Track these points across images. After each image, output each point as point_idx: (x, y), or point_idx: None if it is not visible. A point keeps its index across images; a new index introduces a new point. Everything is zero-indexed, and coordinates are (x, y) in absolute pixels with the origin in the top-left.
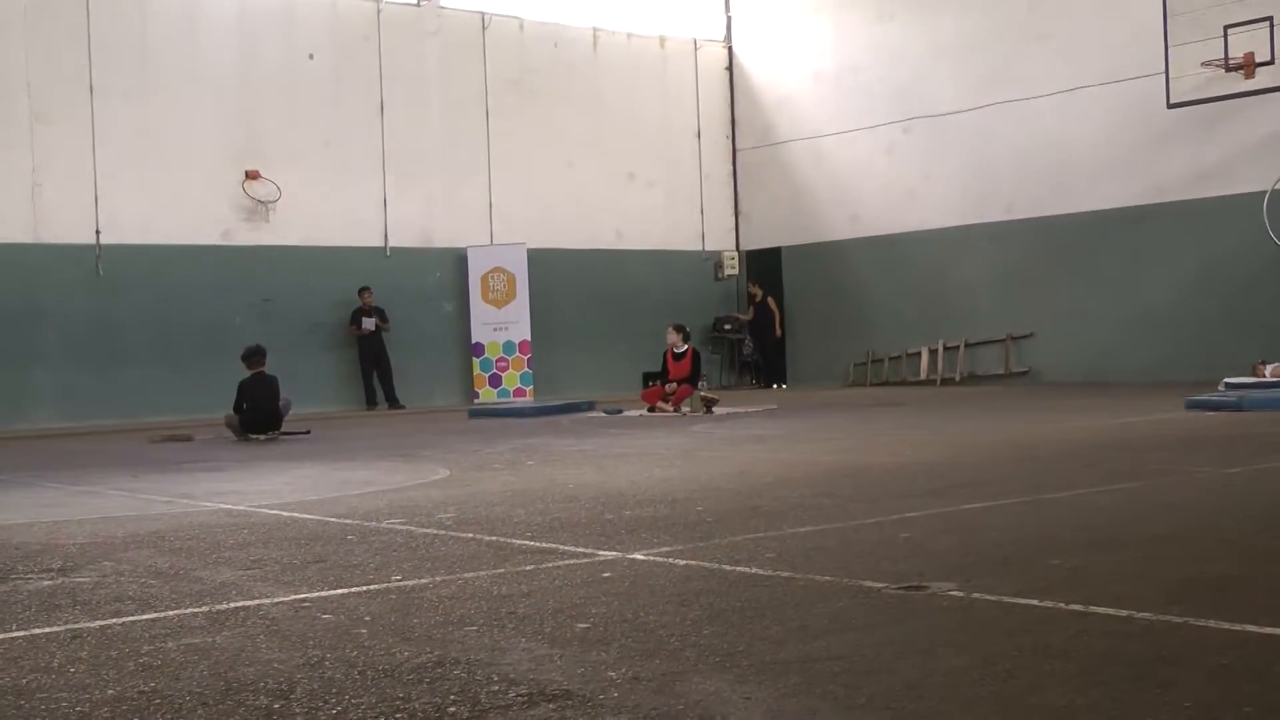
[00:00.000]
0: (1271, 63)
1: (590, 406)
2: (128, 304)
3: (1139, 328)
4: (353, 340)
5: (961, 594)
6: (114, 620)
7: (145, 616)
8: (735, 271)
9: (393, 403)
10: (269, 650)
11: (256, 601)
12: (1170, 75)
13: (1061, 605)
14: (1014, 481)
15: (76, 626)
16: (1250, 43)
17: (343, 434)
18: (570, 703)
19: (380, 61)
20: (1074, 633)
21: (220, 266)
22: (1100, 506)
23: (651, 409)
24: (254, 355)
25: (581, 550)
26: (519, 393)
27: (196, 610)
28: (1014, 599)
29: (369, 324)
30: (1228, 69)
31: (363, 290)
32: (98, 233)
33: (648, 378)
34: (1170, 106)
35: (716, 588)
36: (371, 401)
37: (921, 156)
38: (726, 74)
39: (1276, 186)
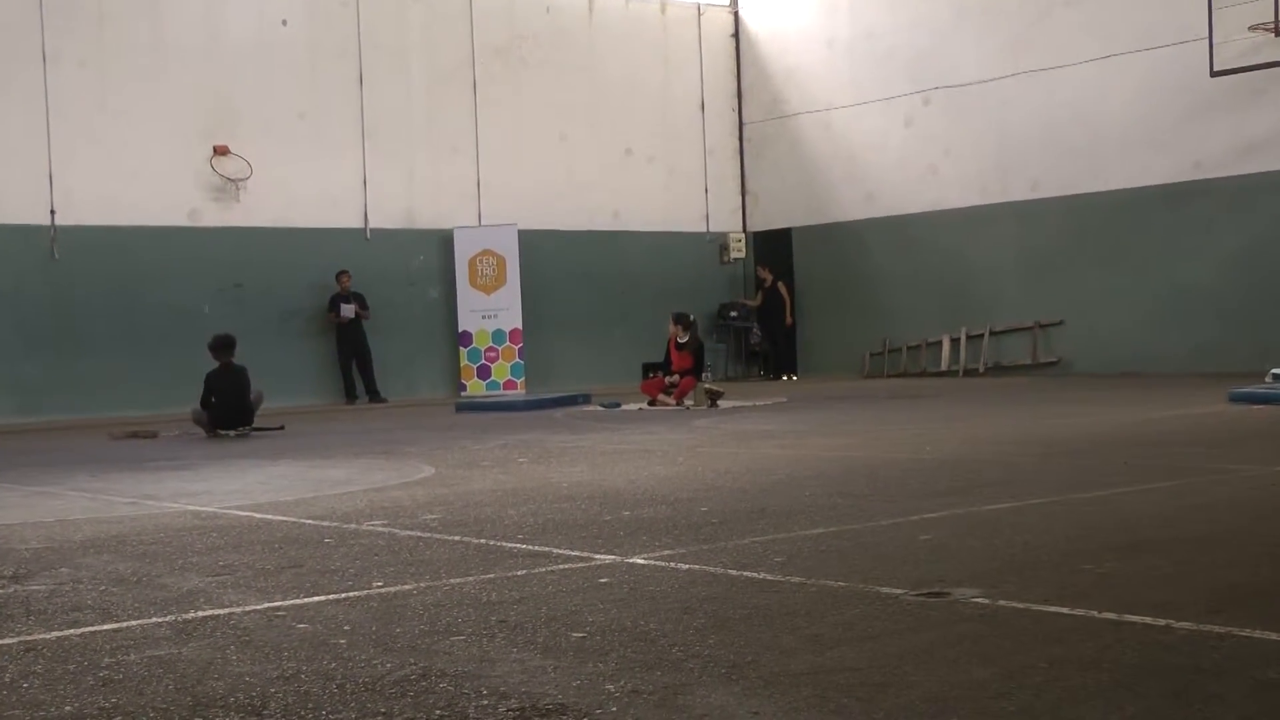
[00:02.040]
0: None
1: (586, 400)
2: (86, 290)
3: (1178, 314)
4: (330, 329)
5: (986, 601)
6: (72, 631)
7: (106, 627)
8: (742, 254)
9: (373, 396)
10: (240, 663)
11: (226, 610)
12: (1214, 40)
13: (1094, 614)
14: (1043, 480)
15: (31, 638)
16: None
17: (319, 429)
18: (565, 718)
19: (359, 28)
20: (1108, 643)
21: (186, 249)
22: (1136, 507)
23: (652, 402)
24: (222, 345)
25: (577, 554)
26: (509, 385)
27: (161, 620)
28: (1043, 606)
29: (348, 311)
30: (1278, 32)
31: (340, 274)
32: (52, 213)
33: (648, 369)
34: (1213, 75)
35: (722, 594)
36: (351, 395)
37: (942, 130)
38: (732, 41)
39: None
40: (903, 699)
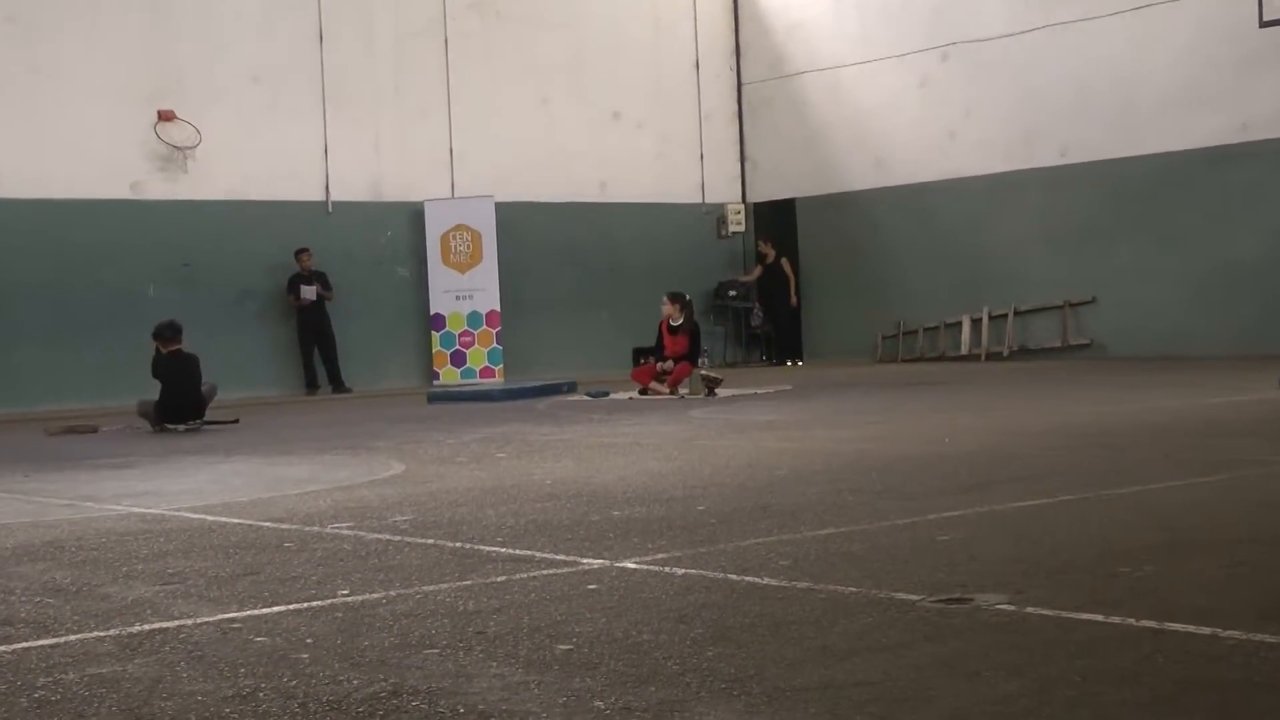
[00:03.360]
0: None
1: (571, 388)
2: (17, 271)
3: (1223, 291)
4: (290, 312)
5: (1012, 608)
6: (3, 648)
7: (42, 642)
8: (741, 228)
9: (337, 385)
10: (191, 680)
11: (176, 622)
12: None
13: (1132, 621)
14: (1074, 474)
15: None
16: None
17: (278, 423)
18: None
19: None
20: (1147, 654)
21: (128, 225)
22: (1177, 504)
23: (643, 391)
24: (168, 331)
25: (562, 558)
26: (486, 372)
27: (103, 634)
28: (1075, 613)
29: (308, 293)
30: None
31: (300, 252)
32: None
33: (639, 354)
34: (1263, 25)
35: (721, 601)
36: (312, 384)
37: (961, 90)
38: None
39: None
40: (921, 715)
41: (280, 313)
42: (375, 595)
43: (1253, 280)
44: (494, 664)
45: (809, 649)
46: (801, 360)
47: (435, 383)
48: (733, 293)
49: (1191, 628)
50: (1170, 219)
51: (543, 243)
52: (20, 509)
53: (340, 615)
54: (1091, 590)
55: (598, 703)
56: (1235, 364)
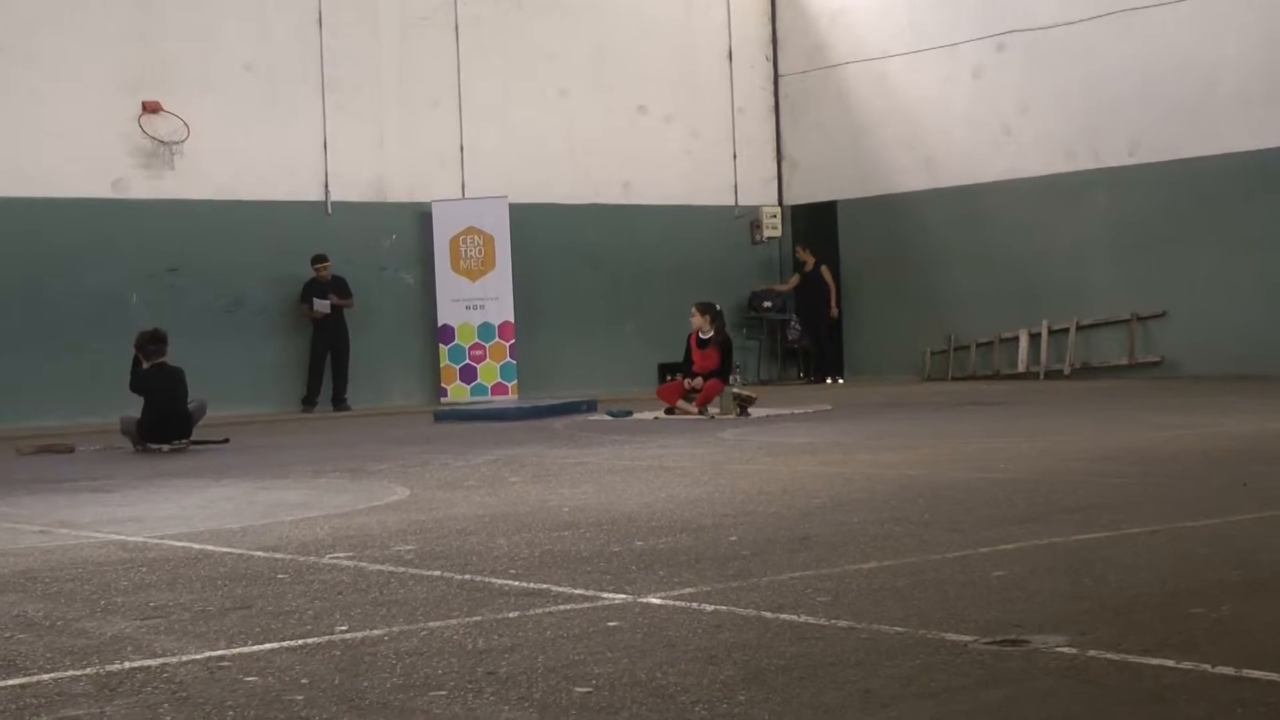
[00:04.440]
0: None
1: (591, 407)
2: None
3: None
4: (294, 323)
5: (1074, 651)
6: None
7: (12, 682)
8: (777, 233)
9: (338, 403)
10: None
11: (159, 660)
12: None
13: (1206, 667)
14: (1142, 504)
15: None
16: None
17: (272, 443)
18: None
19: None
20: (1224, 703)
21: (110, 227)
22: (1257, 538)
23: (670, 410)
24: (151, 342)
25: (581, 592)
26: (499, 389)
27: (80, 673)
28: (1142, 658)
29: (323, 305)
30: None
31: (317, 261)
32: None
33: (665, 370)
34: None
35: (754, 641)
36: (310, 401)
37: (1018, 83)
38: None
39: None
40: None
41: (277, 323)
42: (376, 632)
43: None
44: (506, 708)
45: (849, 694)
46: (842, 378)
47: (443, 400)
48: (768, 303)
49: (1273, 675)
50: (1249, 224)
51: (561, 248)
52: None
53: (338, 653)
54: (1161, 632)
55: None
56: None
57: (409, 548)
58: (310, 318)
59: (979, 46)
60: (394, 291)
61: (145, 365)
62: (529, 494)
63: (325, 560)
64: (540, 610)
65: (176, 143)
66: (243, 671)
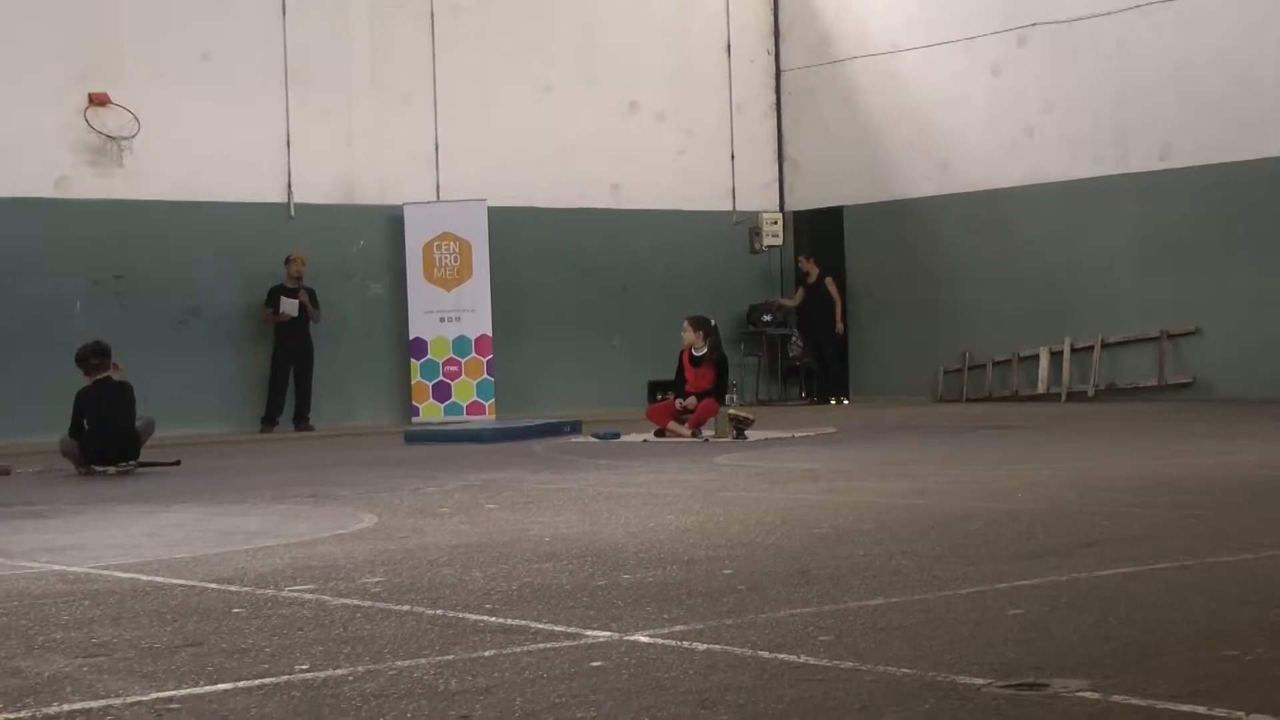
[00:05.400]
0: None
1: (575, 429)
2: None
3: None
4: (245, 337)
5: (1096, 696)
6: None
7: None
8: (778, 241)
9: (300, 422)
10: None
11: (102, 702)
12: None
13: (1240, 715)
14: (1172, 537)
15: None
16: None
17: (227, 465)
18: None
19: None
20: None
21: (53, 229)
22: None
23: (660, 432)
24: (94, 355)
25: (562, 629)
26: (475, 409)
27: (14, 716)
28: (1172, 704)
29: (290, 306)
30: None
31: (290, 260)
32: None
33: (655, 389)
34: None
35: (751, 683)
36: (270, 419)
37: (1041, 80)
38: None
39: None
40: None
41: (234, 335)
42: (340, 671)
43: None
44: None
45: None
46: (848, 398)
47: (414, 421)
48: (767, 317)
49: None
50: None
51: (543, 256)
52: None
53: (298, 695)
54: (1191, 676)
55: None
56: None
57: (376, 580)
58: (274, 320)
59: (999, 40)
60: (362, 302)
61: (88, 380)
62: (507, 522)
63: (285, 593)
64: (518, 649)
65: (126, 138)
66: (193, 715)
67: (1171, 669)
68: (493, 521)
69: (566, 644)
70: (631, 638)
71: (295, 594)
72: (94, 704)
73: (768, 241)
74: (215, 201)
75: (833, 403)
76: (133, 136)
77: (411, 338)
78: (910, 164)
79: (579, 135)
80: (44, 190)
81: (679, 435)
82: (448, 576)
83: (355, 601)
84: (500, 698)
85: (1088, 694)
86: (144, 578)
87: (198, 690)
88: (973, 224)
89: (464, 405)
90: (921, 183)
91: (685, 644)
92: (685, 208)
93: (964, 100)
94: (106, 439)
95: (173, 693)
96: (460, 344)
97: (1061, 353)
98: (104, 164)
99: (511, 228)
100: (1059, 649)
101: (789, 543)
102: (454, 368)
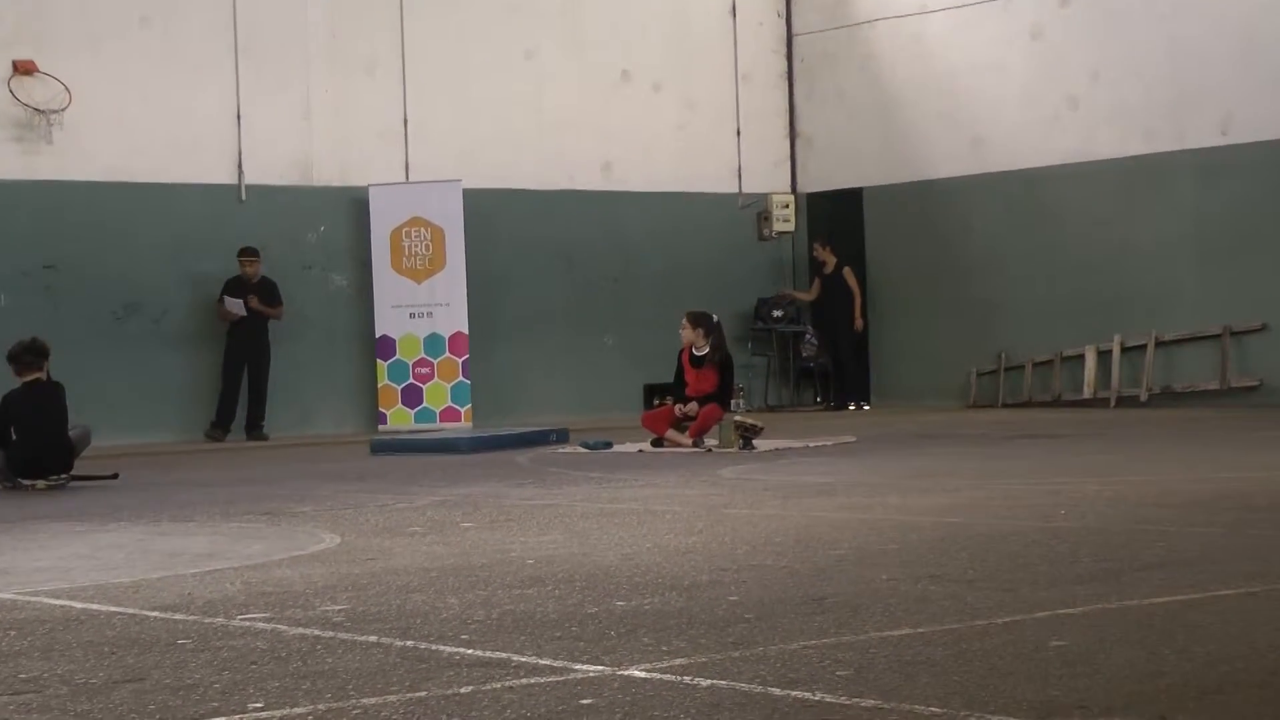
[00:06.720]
0: None
1: (562, 437)
2: None
3: None
4: (192, 335)
5: None
6: None
7: None
8: (790, 226)
9: (254, 431)
10: None
11: None
12: None
13: None
14: (1235, 560)
15: None
16: None
17: (172, 479)
18: None
19: None
20: None
21: None
22: None
23: (658, 442)
24: (28, 353)
25: (548, 663)
26: (449, 415)
27: None
28: None
29: (235, 305)
30: None
31: (244, 255)
32: None
33: (652, 393)
34: None
35: None
36: (220, 427)
37: (1085, 45)
38: None
39: None
40: None
41: (179, 333)
42: (298, 710)
43: None
44: None
45: None
46: (869, 403)
47: (381, 428)
48: (778, 313)
49: None
50: None
51: (526, 244)
52: None
53: None
54: (1257, 715)
55: None
56: None
57: (339, 607)
58: (223, 319)
59: (1038, 1)
60: (322, 296)
61: (19, 381)
62: (485, 543)
63: (236, 622)
64: (499, 684)
65: (55, 111)
66: None
67: (1235, 709)
68: (469, 542)
69: (553, 679)
70: (626, 672)
71: (248, 623)
72: None
73: (778, 227)
74: (156, 183)
75: (851, 408)
76: (63, 110)
77: (378, 336)
78: (938, 140)
79: (565, 108)
80: None
81: (678, 445)
82: (419, 604)
83: (315, 631)
84: None
85: None
86: (78, 605)
87: None
88: (1009, 207)
89: (437, 411)
90: (951, 161)
91: (686, 679)
92: (685, 189)
93: (999, 67)
94: (37, 448)
95: None
96: (432, 343)
97: (1110, 352)
98: (31, 140)
99: (489, 212)
100: (1107, 685)
101: (802, 566)
102: (425, 369)
